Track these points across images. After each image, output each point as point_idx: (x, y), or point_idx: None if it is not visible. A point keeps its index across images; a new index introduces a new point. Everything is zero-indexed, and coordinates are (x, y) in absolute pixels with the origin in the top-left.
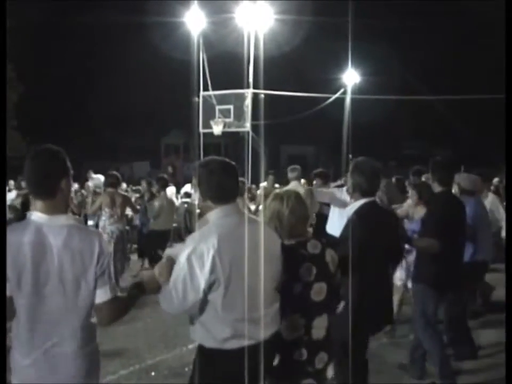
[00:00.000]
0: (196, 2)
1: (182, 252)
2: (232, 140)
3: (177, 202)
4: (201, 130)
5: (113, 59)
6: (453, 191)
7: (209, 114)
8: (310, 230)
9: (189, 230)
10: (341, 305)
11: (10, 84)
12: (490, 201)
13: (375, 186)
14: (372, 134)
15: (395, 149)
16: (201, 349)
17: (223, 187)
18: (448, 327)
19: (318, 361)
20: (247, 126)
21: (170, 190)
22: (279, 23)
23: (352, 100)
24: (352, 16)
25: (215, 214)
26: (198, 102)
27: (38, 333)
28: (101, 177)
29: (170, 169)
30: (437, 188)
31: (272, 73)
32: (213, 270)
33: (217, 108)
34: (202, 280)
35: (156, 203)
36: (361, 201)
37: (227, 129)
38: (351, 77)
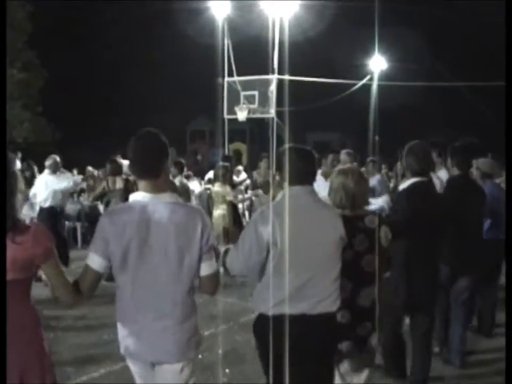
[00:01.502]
0: None
1: (252, 217)
2: (257, 126)
3: (200, 188)
4: (226, 116)
5: (138, 45)
6: (474, 174)
7: (234, 100)
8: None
9: (211, 215)
10: (387, 274)
11: (35, 70)
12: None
13: (426, 167)
14: (399, 120)
15: (422, 136)
16: (257, 316)
17: (298, 171)
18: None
19: (361, 328)
20: (272, 112)
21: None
22: (304, 8)
23: (379, 87)
24: (378, 1)
25: (288, 191)
26: (223, 88)
27: (141, 306)
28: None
29: (199, 156)
30: (455, 172)
31: (297, 59)
32: (273, 233)
33: (242, 93)
34: (265, 240)
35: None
36: (412, 180)
37: (252, 116)
38: (377, 63)
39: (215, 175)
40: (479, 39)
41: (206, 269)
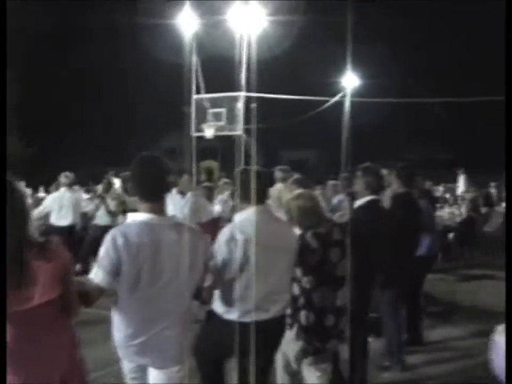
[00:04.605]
0: (188, 3)
1: (221, 237)
2: (230, 144)
3: None
4: (194, 134)
5: (105, 62)
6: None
7: (202, 118)
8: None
9: None
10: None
11: (9, 84)
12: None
13: (379, 186)
14: (372, 137)
15: (395, 152)
16: (218, 319)
17: (257, 191)
18: None
19: (341, 324)
20: (239, 130)
21: None
22: (274, 24)
23: (352, 103)
24: (351, 16)
25: (251, 210)
26: (190, 106)
27: (149, 319)
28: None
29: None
30: (400, 189)
31: (267, 76)
32: (245, 253)
33: (210, 111)
34: (237, 260)
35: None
36: (368, 198)
37: (219, 133)
38: (350, 80)
39: None
40: (454, 54)
41: (208, 279)
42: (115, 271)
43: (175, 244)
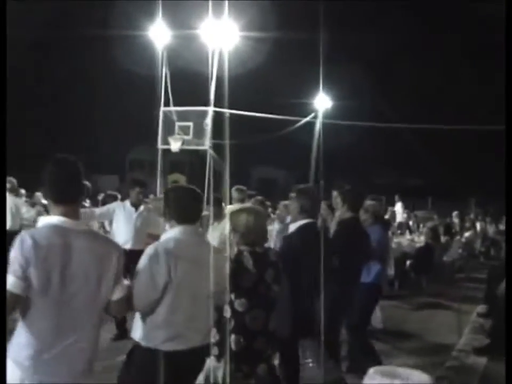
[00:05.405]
0: (160, 16)
1: (145, 253)
2: (198, 158)
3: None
4: (160, 146)
5: (75, 73)
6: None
7: (170, 131)
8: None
9: None
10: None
11: None
12: None
13: (315, 209)
14: (342, 159)
15: (364, 175)
16: (138, 348)
17: (187, 211)
18: None
19: (271, 348)
20: (206, 144)
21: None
22: (246, 40)
23: (323, 124)
24: (323, 35)
25: (177, 230)
26: (158, 118)
27: (60, 330)
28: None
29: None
30: (346, 214)
31: (237, 93)
32: (168, 272)
33: (177, 124)
34: (160, 280)
35: None
36: (302, 222)
37: (185, 147)
38: (322, 101)
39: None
40: (426, 80)
41: (120, 292)
42: (26, 276)
43: (87, 250)
